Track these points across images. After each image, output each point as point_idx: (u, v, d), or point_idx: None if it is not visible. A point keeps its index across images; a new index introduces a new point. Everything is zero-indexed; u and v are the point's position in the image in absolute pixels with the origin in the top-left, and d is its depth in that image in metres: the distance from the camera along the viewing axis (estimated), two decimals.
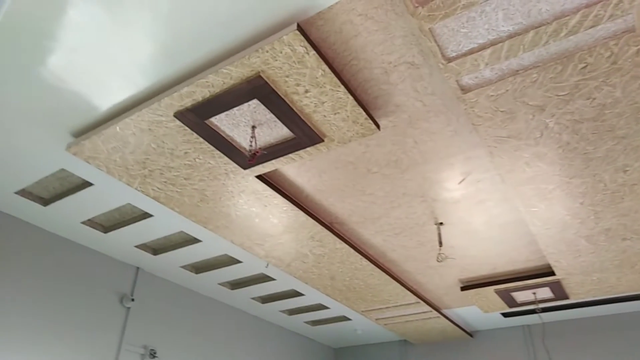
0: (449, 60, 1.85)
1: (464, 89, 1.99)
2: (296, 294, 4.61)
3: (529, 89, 1.97)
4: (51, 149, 2.63)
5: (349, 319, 5.29)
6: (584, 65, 1.83)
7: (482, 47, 1.79)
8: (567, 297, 4.12)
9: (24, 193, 3.08)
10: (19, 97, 2.27)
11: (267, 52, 1.83)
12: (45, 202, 3.18)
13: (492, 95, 2.01)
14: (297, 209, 2.99)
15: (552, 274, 3.70)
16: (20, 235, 3.32)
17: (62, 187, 3.08)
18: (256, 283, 4.37)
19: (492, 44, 1.77)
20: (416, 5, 1.62)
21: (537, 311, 4.58)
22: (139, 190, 2.80)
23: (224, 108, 2.14)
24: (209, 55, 1.98)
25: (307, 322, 5.49)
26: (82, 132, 2.51)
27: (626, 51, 1.75)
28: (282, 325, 5.60)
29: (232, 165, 2.55)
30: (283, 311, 5.12)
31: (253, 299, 4.77)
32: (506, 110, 2.09)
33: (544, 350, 4.96)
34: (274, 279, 4.26)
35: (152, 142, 2.40)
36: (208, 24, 1.84)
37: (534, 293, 4.05)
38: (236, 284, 4.49)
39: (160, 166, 2.58)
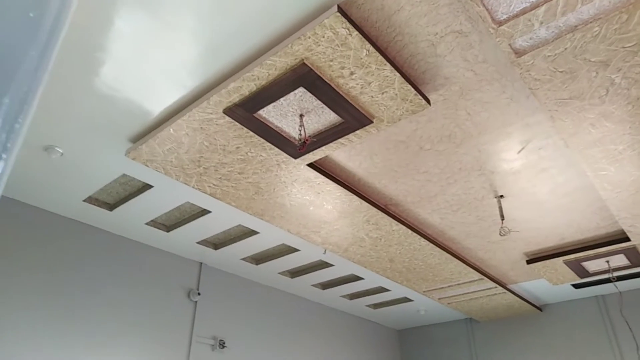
0: (500, 23, 1.75)
1: (518, 52, 1.88)
2: (356, 278, 4.62)
3: (590, 44, 1.83)
4: (112, 156, 2.75)
5: (411, 300, 5.24)
6: None
7: (536, 5, 1.67)
8: None
9: (90, 200, 3.25)
10: (78, 109, 2.37)
11: (309, 38, 1.81)
12: (111, 207, 3.33)
13: (549, 56, 1.89)
14: (350, 193, 2.97)
15: (627, 239, 3.49)
16: (90, 240, 3.51)
17: (124, 192, 3.21)
18: (315, 270, 4.42)
19: (547, 0, 1.65)
20: None
21: (612, 280, 4.33)
22: (196, 188, 2.88)
23: (271, 99, 2.14)
24: (252, 48, 1.98)
25: (368, 306, 5.50)
26: (139, 137, 2.60)
27: None
28: (344, 310, 5.64)
29: (283, 156, 2.56)
30: (344, 296, 5.15)
31: (313, 285, 4.83)
32: (566, 70, 1.96)
33: (623, 321, 4.70)
34: (332, 265, 4.28)
35: (205, 140, 2.45)
36: (249, 17, 1.83)
37: (607, 261, 3.84)
38: (296, 272, 4.55)
39: (214, 163, 2.64)
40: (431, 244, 3.62)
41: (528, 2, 1.67)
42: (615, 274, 4.17)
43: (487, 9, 1.70)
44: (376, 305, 5.52)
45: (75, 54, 2.02)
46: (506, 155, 2.71)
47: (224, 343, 4.10)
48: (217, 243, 3.96)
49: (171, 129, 2.37)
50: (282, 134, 2.38)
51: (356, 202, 3.08)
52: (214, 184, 2.84)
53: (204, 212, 3.39)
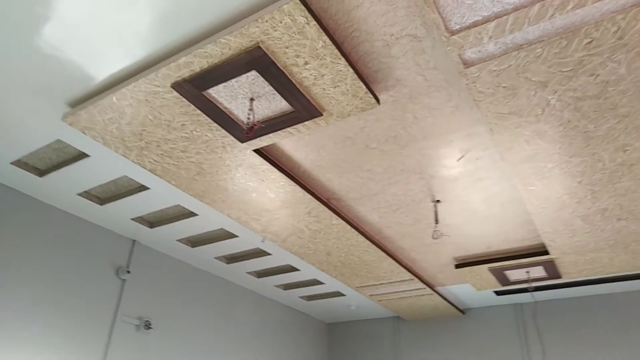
0: (452, 33, 1.81)
1: (467, 64, 1.96)
2: (292, 269, 4.64)
3: (532, 64, 1.94)
4: (47, 119, 2.59)
5: (343, 295, 5.35)
6: (589, 40, 1.80)
7: (487, 20, 1.75)
8: (559, 277, 4.17)
9: (19, 163, 3.05)
10: (13, 66, 2.22)
11: (267, 21, 1.79)
12: (41, 172, 3.15)
13: (494, 70, 1.98)
14: (294, 184, 2.98)
15: (546, 253, 3.73)
16: (16, 206, 3.30)
17: (58, 158, 3.05)
18: (252, 257, 4.39)
19: (497, 16, 1.73)
20: None
21: (530, 290, 4.63)
22: (135, 163, 2.78)
23: (222, 79, 2.11)
24: (208, 25, 1.94)
25: (301, 297, 5.55)
26: (79, 103, 2.47)
27: (633, 26, 1.72)
28: (276, 299, 5.66)
29: (230, 139, 2.53)
30: (278, 286, 5.16)
31: (249, 273, 4.80)
32: (508, 86, 2.06)
33: (535, 329, 5.04)
34: (269, 254, 4.28)
35: (149, 113, 2.36)
36: None
37: (528, 272, 4.09)
38: (232, 258, 4.51)
39: (157, 138, 2.55)
40: (368, 241, 3.70)
41: (480, 15, 1.75)
42: (534, 284, 4.46)
43: (442, 17, 1.76)
44: (309, 297, 5.58)
45: (13, 6, 1.88)
46: (446, 162, 2.82)
47: (149, 324, 3.99)
48: (153, 221, 3.85)
49: (114, 98, 2.27)
50: (231, 115, 2.35)
51: (299, 193, 3.09)
52: (154, 160, 2.75)
53: (142, 188, 3.28)
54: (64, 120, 2.47)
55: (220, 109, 2.29)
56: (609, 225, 3.19)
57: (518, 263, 3.91)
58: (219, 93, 2.21)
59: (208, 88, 2.16)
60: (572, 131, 2.31)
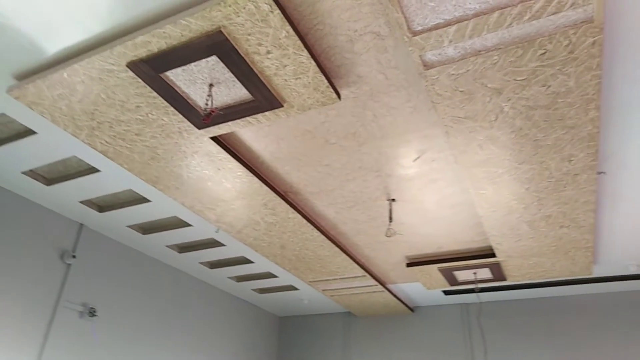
0: (414, 33, 1.84)
1: (427, 65, 1.99)
2: (245, 261, 4.60)
3: (489, 70, 1.99)
4: None
5: (297, 289, 5.35)
6: (543, 51, 1.86)
7: (448, 23, 1.78)
8: (504, 279, 4.33)
9: None
10: None
11: (230, 6, 1.76)
12: None
13: (453, 74, 2.02)
14: (251, 174, 2.95)
15: (493, 255, 3.87)
16: None
17: (1, 134, 2.88)
18: (205, 248, 4.33)
19: (458, 21, 1.77)
20: None
21: (476, 290, 4.79)
22: (85, 143, 2.67)
23: (181, 62, 2.05)
24: (168, 4, 1.88)
25: (254, 290, 5.52)
26: (26, 76, 2.34)
27: (583, 41, 1.79)
28: (229, 291, 5.60)
29: (186, 124, 2.47)
30: (231, 277, 5.11)
31: (202, 263, 4.73)
32: (465, 90, 2.11)
33: (478, 328, 5.22)
34: (223, 245, 4.22)
35: (102, 92, 2.27)
36: None
37: (475, 273, 4.23)
38: (185, 248, 4.42)
39: (109, 119, 2.46)
40: (323, 236, 3.72)
41: (442, 19, 1.78)
42: (480, 285, 4.61)
43: (405, 17, 1.77)
44: (262, 290, 5.56)
45: None
46: (403, 162, 2.86)
47: (94, 311, 3.86)
48: (102, 205, 3.71)
49: (65, 73, 2.17)
50: (188, 100, 2.29)
51: (256, 185, 3.06)
52: (106, 141, 2.65)
53: (92, 170, 3.16)
54: (9, 93, 2.34)
55: (178, 92, 2.24)
56: (552, 232, 3.33)
57: (466, 264, 4.04)
58: (177, 76, 2.15)
59: (166, 70, 2.10)
60: (523, 139, 2.40)
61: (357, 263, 4.26)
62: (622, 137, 2.52)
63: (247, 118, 2.38)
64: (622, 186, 2.96)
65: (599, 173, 2.76)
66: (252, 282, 5.20)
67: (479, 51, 1.91)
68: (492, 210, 3.09)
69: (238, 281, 5.21)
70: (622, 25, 1.90)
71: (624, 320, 4.65)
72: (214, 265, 4.80)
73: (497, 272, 4.15)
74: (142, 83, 2.20)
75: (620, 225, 3.44)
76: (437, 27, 1.80)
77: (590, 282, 4.54)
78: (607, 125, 2.44)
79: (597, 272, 4.33)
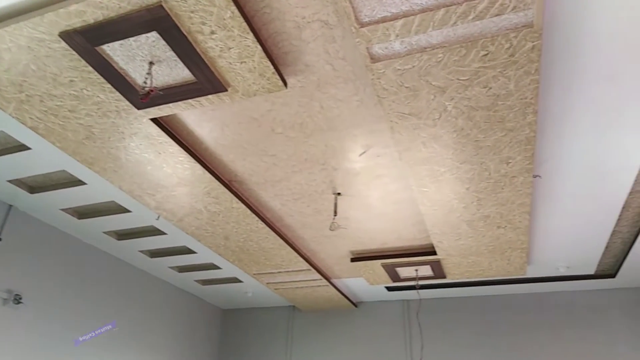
0: (362, 25, 1.82)
1: (374, 58, 1.99)
2: (188, 251, 4.48)
3: (433, 68, 2.01)
4: None
5: (241, 281, 5.27)
6: (485, 52, 1.90)
7: (395, 17, 1.78)
8: (444, 277, 4.44)
9: None
10: None
11: None
12: None
13: (399, 69, 2.03)
14: (194, 161, 2.85)
15: (434, 253, 3.95)
16: None
17: None
18: (145, 235, 4.17)
19: (405, 15, 1.77)
20: None
21: (417, 287, 4.89)
22: (13, 117, 2.49)
23: (119, 36, 1.94)
24: None
25: (197, 281, 5.39)
26: None
27: (523, 45, 1.84)
28: (170, 282, 5.44)
29: (125, 103, 2.35)
30: (173, 267, 4.96)
31: (141, 252, 4.56)
32: (410, 86, 2.12)
33: (417, 324, 5.34)
34: (165, 233, 4.09)
35: (32, 62, 2.12)
36: None
37: (416, 270, 4.31)
38: (123, 235, 4.25)
39: (40, 92, 2.30)
40: (268, 228, 3.67)
41: (389, 12, 1.77)
42: (420, 282, 4.72)
43: (352, 7, 1.75)
44: (205, 282, 5.44)
45: None
46: (349, 156, 2.86)
47: (20, 298, 3.63)
48: (34, 186, 3.49)
49: None
50: (127, 77, 2.17)
51: (199, 171, 2.97)
52: (37, 117, 2.48)
53: (22, 147, 2.95)
54: None
55: (115, 68, 2.12)
56: (489, 232, 3.44)
57: (409, 261, 4.11)
58: (114, 51, 2.03)
59: (102, 44, 1.98)
60: (464, 139, 2.45)
61: (302, 257, 4.24)
62: (557, 143, 2.62)
63: (190, 100, 2.29)
64: (556, 190, 3.09)
65: (535, 176, 2.87)
66: (194, 272, 5.07)
67: (425, 48, 1.92)
68: (434, 208, 3.15)
69: (180, 272, 5.06)
70: (559, 33, 1.96)
71: (553, 319, 4.89)
72: (155, 254, 4.64)
73: (438, 269, 4.25)
74: (77, 56, 2.06)
75: (552, 228, 3.60)
76: (384, 19, 1.80)
77: (524, 282, 4.75)
78: (544, 130, 2.53)
79: (530, 273, 4.53)
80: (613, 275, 4.46)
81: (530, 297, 5.06)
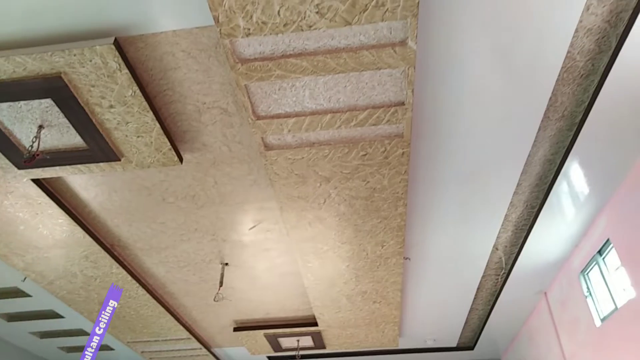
0: (258, 117, 2.00)
1: (267, 146, 2.16)
2: (55, 315, 4.08)
3: (320, 160, 2.23)
4: None
5: (112, 349, 4.88)
6: (364, 153, 2.17)
7: (288, 115, 1.98)
8: (324, 347, 4.56)
9: None
10: None
11: (75, 55, 1.72)
12: None
13: (290, 159, 2.21)
14: (75, 224, 2.73)
15: (316, 324, 4.07)
16: None
17: None
18: (6, 298, 3.75)
19: (297, 115, 1.98)
20: (237, 61, 1.73)
21: (297, 357, 4.92)
22: None
23: (8, 98, 1.90)
24: (4, 36, 1.76)
25: (61, 348, 4.87)
26: None
27: (395, 151, 2.15)
28: (28, 349, 4.84)
29: (4, 161, 2.23)
30: (34, 333, 4.45)
31: None
32: (300, 174, 2.32)
33: None
34: (29, 295, 3.71)
35: None
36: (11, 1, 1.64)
37: (298, 340, 4.38)
38: None
39: None
40: (148, 295, 3.53)
41: (283, 110, 1.97)
42: (301, 352, 4.76)
43: (250, 102, 1.93)
44: (70, 349, 4.93)
45: None
46: (239, 229, 2.94)
47: None
48: None
49: None
50: (11, 137, 2.09)
51: (79, 234, 2.84)
52: None
53: None
54: None
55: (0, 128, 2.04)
56: (366, 306, 3.67)
57: (291, 331, 4.17)
58: (1, 111, 1.97)
59: None
60: (345, 222, 2.68)
61: (183, 325, 4.09)
62: (424, 231, 2.98)
63: (79, 165, 2.25)
64: (423, 271, 3.45)
65: (405, 258, 3.18)
66: (60, 339, 4.59)
67: (313, 143, 2.14)
68: (317, 282, 3.31)
69: (42, 337, 4.55)
70: (425, 141, 2.32)
71: None
72: (14, 317, 4.15)
73: (318, 340, 4.36)
74: None
75: (421, 305, 3.95)
76: (278, 116, 1.99)
77: (396, 353, 5.03)
78: (413, 220, 2.86)
79: (402, 344, 4.82)
80: (472, 348, 4.92)
81: None
